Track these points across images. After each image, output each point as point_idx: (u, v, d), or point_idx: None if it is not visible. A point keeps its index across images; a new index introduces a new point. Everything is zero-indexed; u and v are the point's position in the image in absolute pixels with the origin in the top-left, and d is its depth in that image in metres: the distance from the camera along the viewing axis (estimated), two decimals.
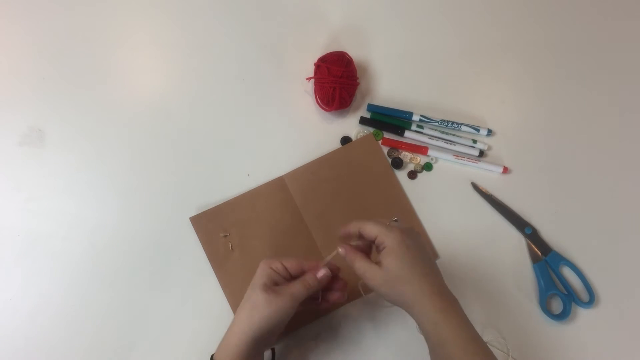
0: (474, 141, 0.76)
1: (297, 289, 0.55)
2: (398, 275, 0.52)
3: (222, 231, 0.71)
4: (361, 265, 0.55)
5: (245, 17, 0.81)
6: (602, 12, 0.83)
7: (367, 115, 0.77)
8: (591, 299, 0.69)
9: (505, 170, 0.75)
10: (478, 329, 0.68)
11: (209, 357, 0.58)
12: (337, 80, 0.72)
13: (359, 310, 0.69)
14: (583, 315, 0.70)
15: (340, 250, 0.57)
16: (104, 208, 0.73)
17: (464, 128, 0.76)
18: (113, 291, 0.70)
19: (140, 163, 0.74)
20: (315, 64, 0.75)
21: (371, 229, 0.55)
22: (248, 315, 0.54)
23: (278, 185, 0.73)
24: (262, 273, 0.57)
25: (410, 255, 0.53)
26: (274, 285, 0.56)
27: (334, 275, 0.60)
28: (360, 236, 0.57)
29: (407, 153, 0.76)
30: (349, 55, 0.74)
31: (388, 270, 0.53)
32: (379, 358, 0.67)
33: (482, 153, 0.76)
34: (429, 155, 0.76)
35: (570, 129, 0.77)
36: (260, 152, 0.75)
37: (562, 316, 0.69)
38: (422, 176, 0.75)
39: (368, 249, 0.59)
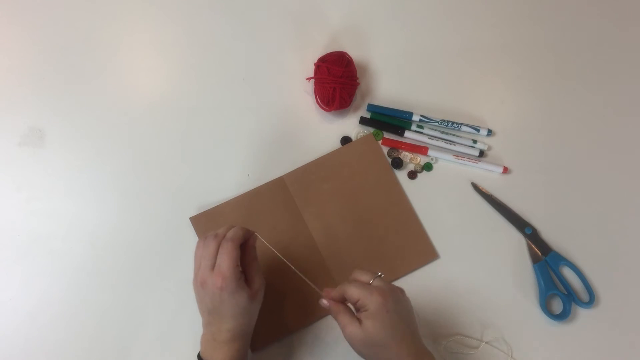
0: (474, 141, 0.76)
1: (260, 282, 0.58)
2: (376, 339, 0.52)
3: None
4: (344, 319, 0.54)
5: (245, 17, 0.81)
6: (601, 12, 0.83)
7: (367, 115, 0.77)
8: (591, 299, 0.69)
9: (505, 170, 0.75)
10: (478, 329, 0.69)
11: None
12: (337, 80, 0.72)
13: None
14: (583, 315, 0.70)
15: (324, 302, 0.56)
16: (104, 208, 0.73)
17: (464, 128, 0.76)
18: (113, 291, 0.70)
19: (140, 163, 0.74)
20: (315, 64, 0.75)
21: (353, 292, 0.54)
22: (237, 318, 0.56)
23: (278, 185, 0.73)
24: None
25: (389, 319, 0.52)
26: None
27: None
28: (344, 298, 0.56)
29: (407, 153, 0.76)
30: (349, 55, 0.74)
31: (367, 333, 0.52)
32: None
33: (482, 153, 0.76)
34: (429, 155, 0.76)
35: (570, 129, 0.77)
36: (260, 152, 0.75)
37: (562, 316, 0.69)
38: (422, 176, 0.75)
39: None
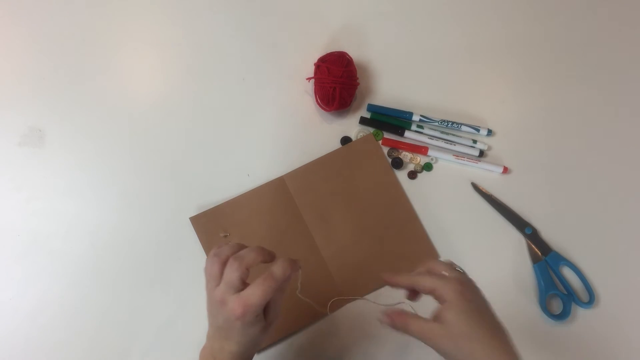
0: (474, 141, 0.76)
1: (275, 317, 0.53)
2: (463, 331, 0.48)
3: (222, 231, 0.71)
4: (417, 327, 0.49)
5: (245, 17, 0.81)
6: (601, 11, 0.83)
7: (367, 115, 0.77)
8: (591, 299, 0.69)
9: (505, 170, 0.75)
10: None
11: None
12: (337, 80, 0.72)
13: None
14: (583, 315, 0.70)
15: (386, 320, 0.51)
16: (104, 208, 0.73)
17: (464, 128, 0.76)
18: (113, 291, 0.70)
19: (140, 163, 0.74)
20: (315, 64, 0.75)
21: (426, 282, 0.50)
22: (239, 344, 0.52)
23: (278, 185, 0.73)
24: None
25: (474, 309, 0.49)
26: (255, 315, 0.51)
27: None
28: (413, 289, 0.53)
29: (407, 153, 0.76)
30: (349, 55, 0.74)
31: (451, 326, 0.48)
32: None
33: (482, 153, 0.76)
34: (429, 155, 0.76)
35: (571, 129, 0.77)
36: (260, 152, 0.75)
37: (562, 316, 0.69)
38: (422, 176, 0.75)
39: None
